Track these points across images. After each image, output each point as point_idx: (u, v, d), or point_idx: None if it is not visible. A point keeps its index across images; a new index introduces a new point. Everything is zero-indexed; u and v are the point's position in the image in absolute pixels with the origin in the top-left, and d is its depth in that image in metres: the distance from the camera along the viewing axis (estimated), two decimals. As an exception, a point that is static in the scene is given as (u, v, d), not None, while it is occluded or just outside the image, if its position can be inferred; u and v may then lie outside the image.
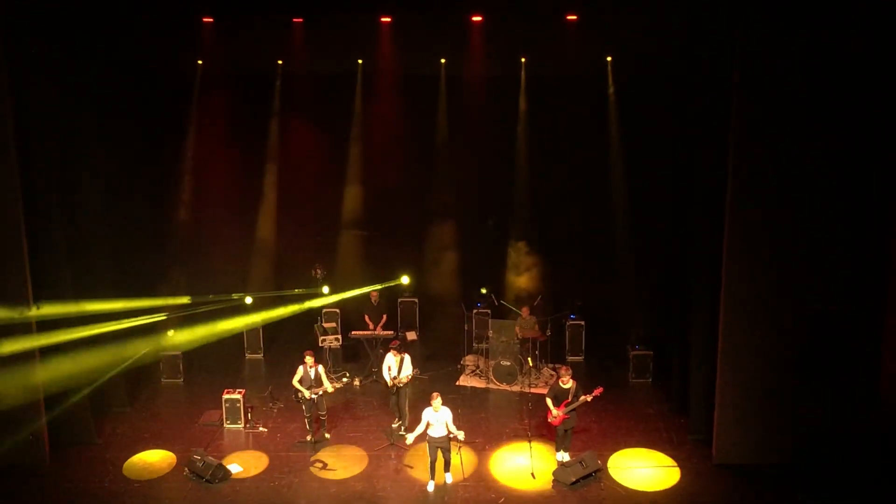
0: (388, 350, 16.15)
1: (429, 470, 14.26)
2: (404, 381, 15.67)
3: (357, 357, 19.04)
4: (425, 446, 14.23)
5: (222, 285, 20.16)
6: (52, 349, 14.95)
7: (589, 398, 14.59)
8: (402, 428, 15.81)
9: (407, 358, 15.78)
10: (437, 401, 13.91)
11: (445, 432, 13.92)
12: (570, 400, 14.64)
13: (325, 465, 15.00)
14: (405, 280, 19.75)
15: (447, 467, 14.26)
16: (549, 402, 14.81)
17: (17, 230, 14.17)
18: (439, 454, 14.10)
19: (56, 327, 14.95)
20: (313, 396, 15.40)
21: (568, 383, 14.69)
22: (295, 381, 15.53)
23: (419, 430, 13.99)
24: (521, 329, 18.21)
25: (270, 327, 19.64)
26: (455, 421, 14.07)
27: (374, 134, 20.34)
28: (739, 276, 13.96)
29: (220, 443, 15.85)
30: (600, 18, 16.75)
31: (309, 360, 15.54)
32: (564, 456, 14.91)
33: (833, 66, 13.25)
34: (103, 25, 15.79)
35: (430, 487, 14.27)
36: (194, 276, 19.96)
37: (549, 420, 14.88)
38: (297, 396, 15.57)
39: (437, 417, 13.88)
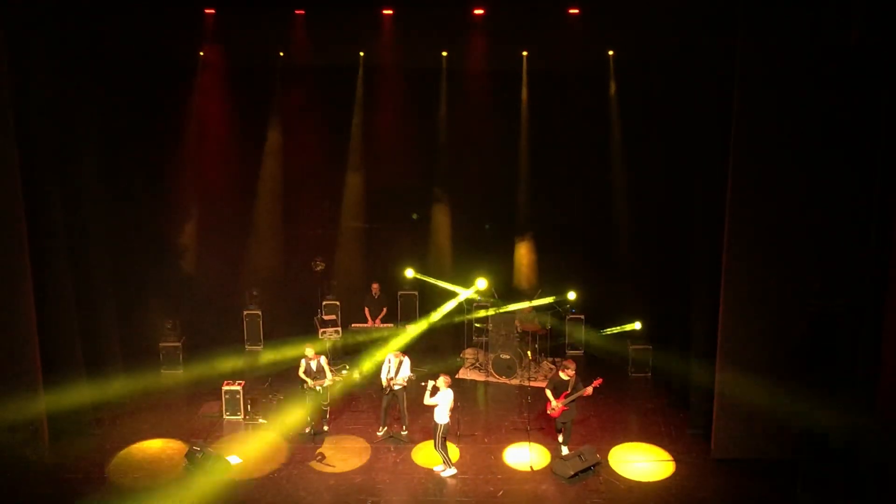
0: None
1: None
2: (401, 383, 15.39)
3: (357, 350, 19.03)
4: (428, 441, 14.41)
5: (221, 278, 20.28)
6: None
7: (590, 391, 14.61)
8: (404, 428, 15.67)
9: (406, 360, 15.54)
10: (441, 379, 14.11)
11: (445, 420, 14.03)
12: (569, 392, 14.66)
13: (324, 458, 15.01)
14: (409, 273, 19.82)
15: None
16: (548, 392, 14.82)
17: (17, 220, 14.15)
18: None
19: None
20: (318, 388, 15.43)
21: (568, 375, 14.71)
22: (301, 373, 15.56)
23: (430, 401, 14.21)
24: (520, 322, 18.22)
25: (270, 319, 19.70)
26: (454, 413, 14.25)
27: (375, 126, 20.32)
28: (739, 271, 13.97)
29: (219, 434, 15.88)
30: (602, 13, 16.72)
31: (309, 352, 15.55)
32: (563, 449, 14.93)
33: (835, 61, 13.22)
34: (105, 16, 15.76)
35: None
36: (192, 267, 20.04)
37: (549, 411, 14.89)
38: (304, 387, 15.59)
39: (443, 396, 14.03)
